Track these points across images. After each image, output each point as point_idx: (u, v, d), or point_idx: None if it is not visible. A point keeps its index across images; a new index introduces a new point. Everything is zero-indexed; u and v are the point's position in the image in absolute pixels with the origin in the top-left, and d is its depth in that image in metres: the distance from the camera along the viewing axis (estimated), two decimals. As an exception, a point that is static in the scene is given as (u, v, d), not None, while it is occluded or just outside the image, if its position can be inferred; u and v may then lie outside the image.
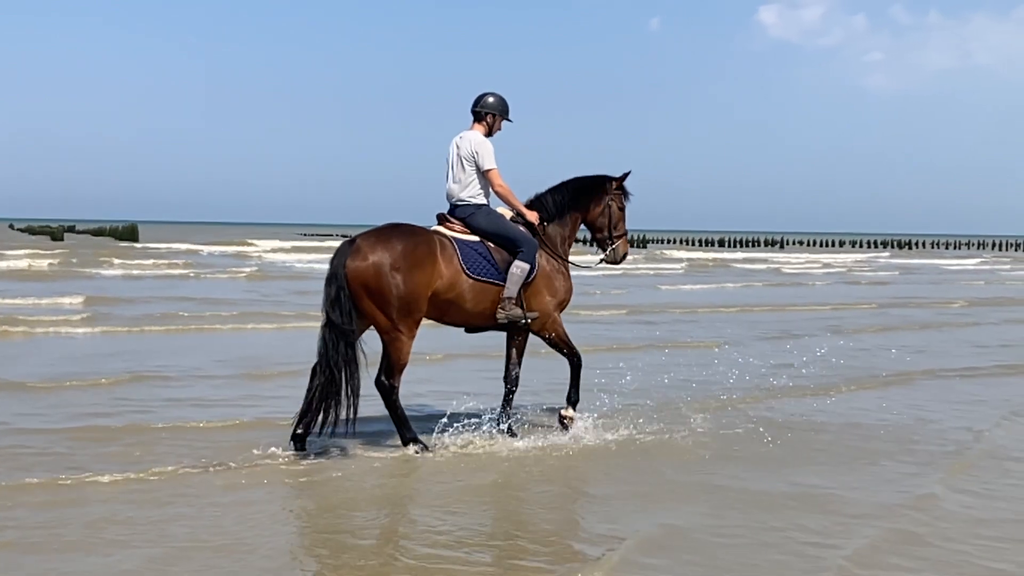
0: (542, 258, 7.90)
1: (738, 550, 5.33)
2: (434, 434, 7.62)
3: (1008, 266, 52.80)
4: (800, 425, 8.58)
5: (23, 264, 31.28)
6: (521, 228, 7.88)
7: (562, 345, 8.07)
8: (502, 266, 7.62)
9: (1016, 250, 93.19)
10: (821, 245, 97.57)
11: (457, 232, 7.69)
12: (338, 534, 5.55)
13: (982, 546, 5.45)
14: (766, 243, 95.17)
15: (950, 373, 11.93)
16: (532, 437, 7.77)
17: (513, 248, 7.67)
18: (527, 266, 7.64)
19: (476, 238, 7.69)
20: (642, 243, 79.53)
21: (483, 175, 7.77)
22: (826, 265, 50.27)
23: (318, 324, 7.41)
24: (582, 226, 8.43)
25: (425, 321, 7.59)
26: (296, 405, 7.44)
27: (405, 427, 7.41)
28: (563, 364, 8.30)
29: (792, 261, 54.37)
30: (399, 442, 7.42)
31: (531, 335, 8.03)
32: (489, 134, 7.92)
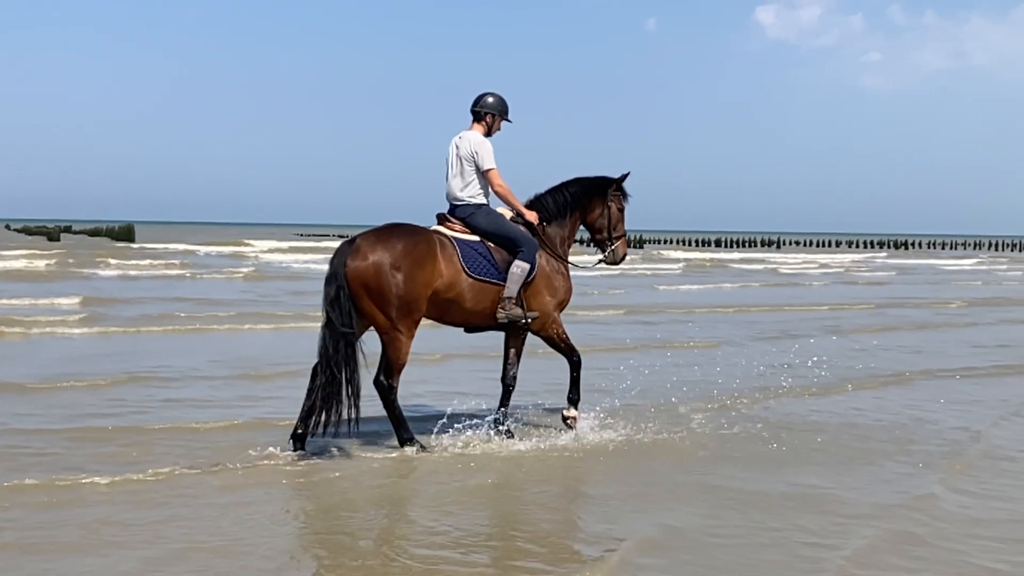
0: (542, 258, 7.90)
1: (737, 551, 5.33)
2: (432, 435, 7.61)
3: (1005, 266, 52.87)
4: (798, 425, 8.58)
5: (20, 264, 31.22)
6: (521, 228, 7.88)
7: (562, 345, 8.07)
8: (502, 266, 7.62)
9: (1013, 250, 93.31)
10: (818, 245, 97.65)
11: (457, 232, 7.69)
12: (336, 535, 5.55)
13: (980, 546, 5.45)
14: (763, 243, 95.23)
15: (948, 373, 11.94)
16: (530, 438, 7.77)
17: (513, 248, 7.67)
18: (527, 266, 7.64)
19: (476, 238, 7.69)
20: (638, 243, 79.56)
21: (483, 175, 7.77)
22: (823, 265, 50.29)
23: (315, 324, 7.41)
24: (581, 227, 8.44)
25: (424, 321, 7.59)
26: (293, 406, 7.44)
27: (403, 427, 7.41)
28: (560, 364, 8.30)
29: (789, 261, 54.40)
30: (397, 442, 7.41)
31: (530, 335, 8.03)
32: (488, 134, 7.92)
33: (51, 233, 68.22)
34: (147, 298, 20.86)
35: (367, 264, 7.17)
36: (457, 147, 7.84)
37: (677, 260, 51.34)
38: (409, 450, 7.30)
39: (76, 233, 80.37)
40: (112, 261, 33.97)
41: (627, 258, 8.81)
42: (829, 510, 6.05)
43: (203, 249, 51.12)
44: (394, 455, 7.29)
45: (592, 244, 8.62)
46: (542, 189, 8.23)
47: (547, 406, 8.98)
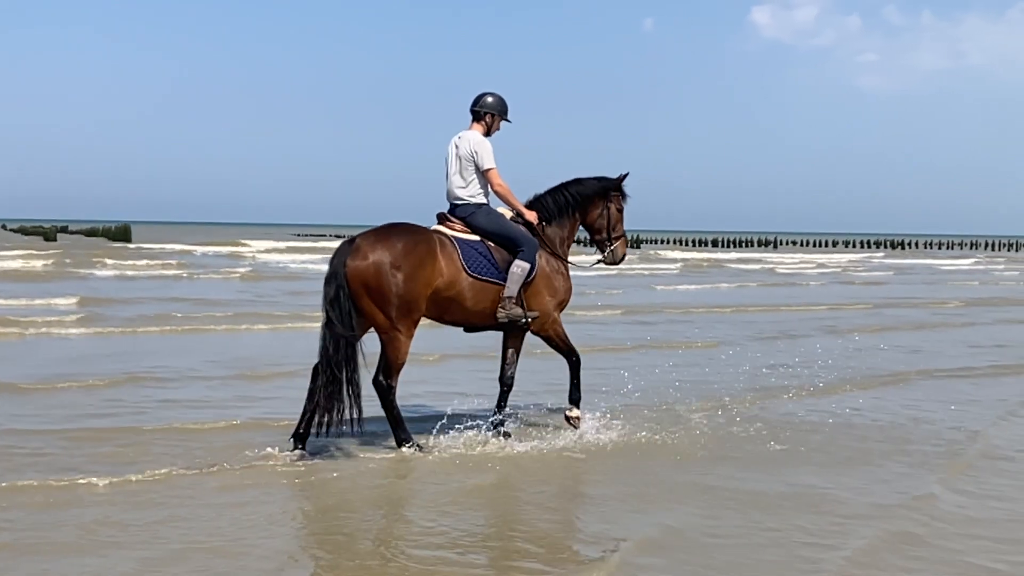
0: (542, 258, 7.90)
1: (736, 551, 5.32)
2: (431, 435, 7.60)
3: (1002, 266, 52.90)
4: (796, 425, 8.58)
5: (16, 264, 31.17)
6: (521, 228, 7.87)
7: (561, 345, 8.06)
8: (502, 265, 7.62)
9: (1010, 250, 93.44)
10: (815, 245, 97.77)
11: (457, 231, 7.68)
12: (334, 535, 5.53)
13: (979, 546, 5.45)
14: (760, 243, 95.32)
15: (945, 373, 11.95)
16: (529, 438, 7.76)
17: (513, 247, 7.67)
18: (527, 265, 7.63)
19: (476, 237, 7.68)
20: (635, 244, 79.60)
21: (482, 174, 7.77)
22: (820, 265, 50.33)
23: (312, 325, 7.41)
24: (581, 227, 8.44)
25: (423, 321, 7.58)
26: (290, 406, 7.42)
27: (401, 428, 7.39)
28: (560, 364, 8.29)
29: (786, 261, 54.42)
30: (395, 443, 7.40)
31: (528, 335, 8.03)
32: (488, 134, 7.91)
33: (47, 233, 68.11)
34: (144, 298, 20.83)
35: (367, 264, 7.15)
36: (457, 147, 7.83)
37: (674, 260, 51.35)
38: (407, 450, 7.29)
39: (73, 233, 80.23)
40: (109, 261, 33.90)
41: (626, 258, 8.80)
42: (828, 510, 6.05)
43: (200, 249, 51.04)
44: (392, 455, 7.27)
45: (591, 244, 8.62)
46: (542, 189, 8.23)
47: (547, 406, 8.98)
